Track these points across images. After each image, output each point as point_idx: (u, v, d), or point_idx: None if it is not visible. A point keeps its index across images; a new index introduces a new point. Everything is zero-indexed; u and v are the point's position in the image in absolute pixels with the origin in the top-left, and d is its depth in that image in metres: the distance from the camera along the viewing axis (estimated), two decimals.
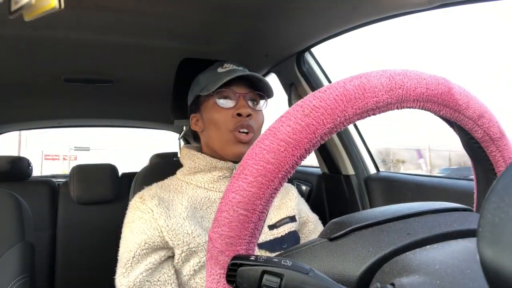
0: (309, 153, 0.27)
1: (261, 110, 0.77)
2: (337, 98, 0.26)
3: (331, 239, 0.30)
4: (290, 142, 0.26)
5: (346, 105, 0.26)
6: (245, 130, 0.71)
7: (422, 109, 0.30)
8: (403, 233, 0.29)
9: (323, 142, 0.27)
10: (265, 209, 0.27)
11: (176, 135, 2.65)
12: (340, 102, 0.26)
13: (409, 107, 0.29)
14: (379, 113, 0.28)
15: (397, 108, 0.28)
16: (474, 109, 0.32)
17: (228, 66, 0.77)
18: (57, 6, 0.38)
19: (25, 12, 0.39)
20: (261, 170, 0.26)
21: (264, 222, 0.28)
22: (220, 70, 0.76)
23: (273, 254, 0.70)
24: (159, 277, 0.64)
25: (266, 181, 0.26)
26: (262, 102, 0.78)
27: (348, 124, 0.27)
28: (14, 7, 0.38)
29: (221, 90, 0.72)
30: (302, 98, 0.27)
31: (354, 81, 0.27)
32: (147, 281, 0.62)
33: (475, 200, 0.38)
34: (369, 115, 0.28)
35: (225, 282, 0.26)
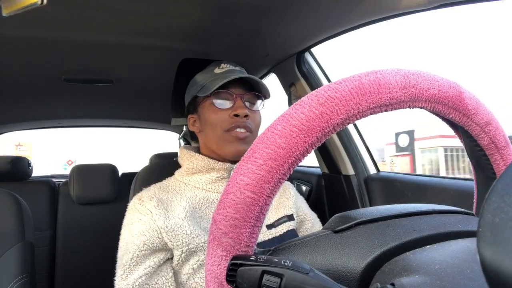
0: (320, 142, 0.27)
1: (258, 110, 0.77)
2: (352, 90, 0.26)
3: (335, 231, 0.30)
4: (303, 129, 0.26)
5: (360, 98, 0.26)
6: (242, 130, 0.72)
7: (432, 110, 0.30)
8: (408, 229, 0.29)
9: (334, 133, 0.27)
10: (272, 194, 0.27)
11: (176, 135, 2.65)
12: (355, 94, 0.26)
13: (421, 107, 0.29)
14: (391, 110, 0.28)
15: (409, 106, 0.29)
16: (482, 116, 0.32)
17: (225, 67, 0.77)
18: (39, 2, 0.37)
19: (5, 5, 0.37)
20: (272, 154, 0.26)
21: (269, 208, 0.28)
22: (217, 70, 0.76)
23: None
24: (157, 280, 0.64)
25: (276, 165, 0.26)
26: (259, 102, 0.78)
27: (361, 118, 0.27)
28: None
29: (218, 91, 0.72)
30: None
31: (370, 76, 0.27)
32: (145, 284, 0.62)
33: (474, 205, 0.38)
34: (381, 111, 0.28)
35: (226, 264, 0.26)
